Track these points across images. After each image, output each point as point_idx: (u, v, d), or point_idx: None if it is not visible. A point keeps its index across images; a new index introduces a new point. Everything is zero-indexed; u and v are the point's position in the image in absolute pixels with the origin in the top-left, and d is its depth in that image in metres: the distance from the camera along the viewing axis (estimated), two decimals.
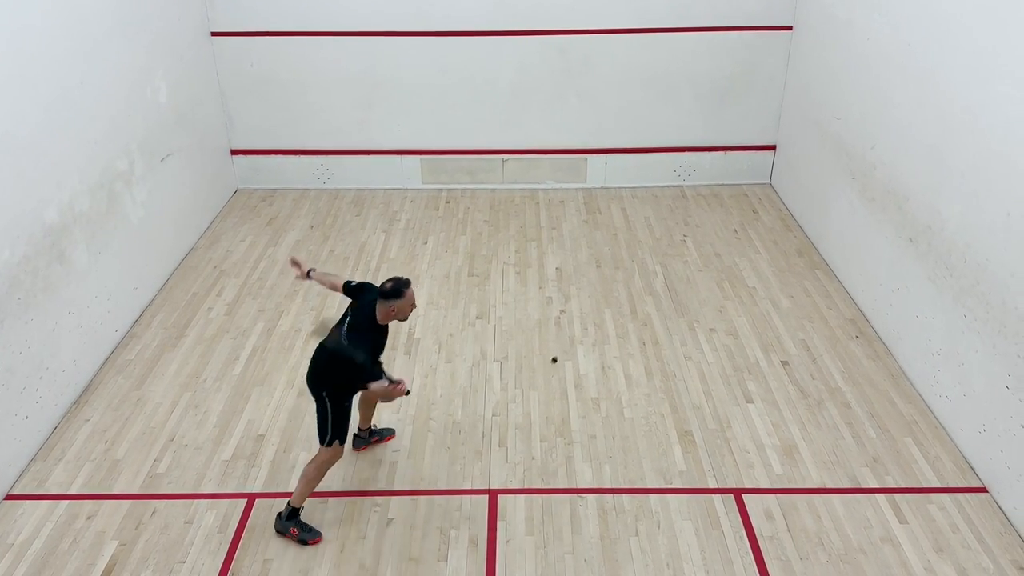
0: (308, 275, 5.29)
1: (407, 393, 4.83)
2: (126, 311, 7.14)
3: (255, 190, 9.85)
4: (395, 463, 5.69)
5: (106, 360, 6.76)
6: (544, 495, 5.42)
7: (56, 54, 6.16)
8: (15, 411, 5.57)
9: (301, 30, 9.09)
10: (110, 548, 5.03)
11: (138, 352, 6.88)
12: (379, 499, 5.40)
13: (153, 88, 7.70)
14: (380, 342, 4.87)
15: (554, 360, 6.64)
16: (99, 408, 6.23)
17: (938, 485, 5.47)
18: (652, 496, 5.39)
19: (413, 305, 4.77)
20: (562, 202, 9.53)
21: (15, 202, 5.64)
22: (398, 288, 4.67)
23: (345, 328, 4.75)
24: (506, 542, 5.08)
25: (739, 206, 9.35)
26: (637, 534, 5.11)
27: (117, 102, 7.04)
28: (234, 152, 9.71)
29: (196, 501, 5.39)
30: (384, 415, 6.12)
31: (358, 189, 9.86)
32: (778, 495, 5.40)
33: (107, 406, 6.26)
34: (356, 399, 5.24)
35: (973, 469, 5.57)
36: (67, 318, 6.21)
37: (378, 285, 4.78)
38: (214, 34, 9.09)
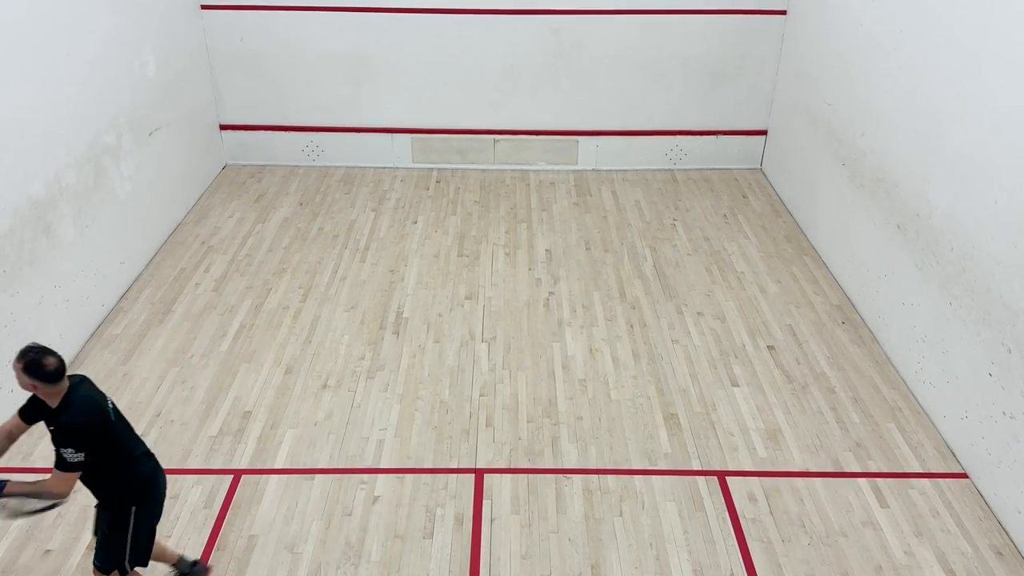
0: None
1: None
2: (113, 286, 7.10)
3: (244, 166, 9.78)
4: (382, 441, 5.71)
5: (92, 334, 6.72)
6: (530, 475, 5.45)
7: (43, 25, 6.08)
8: (0, 384, 5.54)
9: (292, 4, 8.99)
10: None
11: (125, 327, 6.85)
12: (366, 476, 5.42)
13: (142, 61, 7.62)
14: None
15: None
16: None
17: (920, 470, 5.53)
18: (637, 477, 5.43)
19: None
20: (552, 184, 9.52)
21: (0, 175, 5.58)
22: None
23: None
24: (491, 520, 5.11)
25: (729, 191, 9.36)
26: (621, 514, 5.15)
27: (105, 75, 6.96)
28: (223, 127, 9.63)
29: (182, 477, 5.39)
30: (371, 393, 6.13)
31: (348, 167, 9.81)
32: (761, 478, 5.45)
33: (93, 380, 6.21)
34: None
35: (955, 455, 5.64)
36: (53, 292, 6.17)
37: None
38: (204, 7, 8.98)
